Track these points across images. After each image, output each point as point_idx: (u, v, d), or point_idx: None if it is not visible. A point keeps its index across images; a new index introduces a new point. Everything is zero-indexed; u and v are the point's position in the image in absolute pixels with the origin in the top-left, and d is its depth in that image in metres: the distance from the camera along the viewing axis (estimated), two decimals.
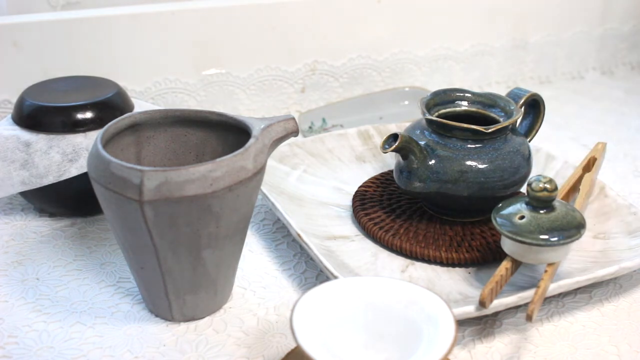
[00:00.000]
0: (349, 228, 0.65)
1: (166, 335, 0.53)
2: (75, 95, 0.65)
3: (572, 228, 0.53)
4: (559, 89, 1.04)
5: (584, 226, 0.54)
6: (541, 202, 0.54)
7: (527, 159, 0.63)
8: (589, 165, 0.68)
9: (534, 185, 0.54)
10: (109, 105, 0.65)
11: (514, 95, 0.66)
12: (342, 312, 0.44)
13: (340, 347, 0.43)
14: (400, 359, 0.43)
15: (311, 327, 0.42)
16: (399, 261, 0.61)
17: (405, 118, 0.86)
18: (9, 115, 0.67)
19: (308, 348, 0.40)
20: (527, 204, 0.54)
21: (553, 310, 0.57)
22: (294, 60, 0.91)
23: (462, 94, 0.67)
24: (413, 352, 0.42)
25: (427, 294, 0.45)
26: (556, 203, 0.55)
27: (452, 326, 0.42)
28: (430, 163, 0.60)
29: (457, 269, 0.60)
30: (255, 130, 0.52)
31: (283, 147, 0.73)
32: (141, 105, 0.70)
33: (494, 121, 0.64)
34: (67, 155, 0.62)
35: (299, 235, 0.59)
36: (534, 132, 0.69)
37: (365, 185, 0.70)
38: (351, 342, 0.44)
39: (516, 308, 0.56)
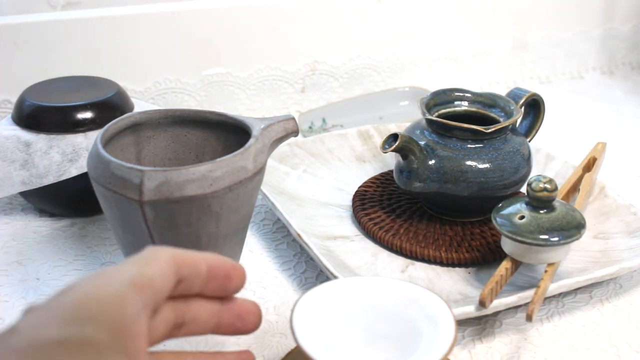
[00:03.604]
0: (349, 228, 0.65)
1: None
2: (75, 95, 0.65)
3: (572, 228, 0.53)
4: (559, 89, 1.04)
5: (584, 226, 0.54)
6: (541, 202, 0.54)
7: (527, 159, 0.63)
8: (589, 165, 0.68)
9: (534, 185, 0.54)
10: (109, 105, 0.65)
11: (514, 95, 0.66)
12: (342, 312, 0.44)
13: (340, 347, 0.43)
14: (400, 358, 0.43)
15: (311, 327, 0.42)
16: (399, 261, 0.61)
17: (405, 118, 0.86)
18: (9, 115, 0.67)
19: (308, 348, 0.40)
20: (527, 204, 0.54)
21: (553, 310, 0.57)
22: (294, 60, 0.91)
23: (462, 94, 0.67)
24: (413, 352, 0.42)
25: (427, 294, 0.45)
26: (556, 203, 0.55)
27: (452, 326, 0.42)
28: (430, 163, 0.60)
29: (457, 269, 0.60)
30: (255, 130, 0.53)
31: (283, 147, 0.73)
32: (141, 105, 0.70)
33: (494, 121, 0.64)
34: (67, 155, 0.62)
35: (299, 235, 0.59)
36: (534, 132, 0.69)
37: (365, 185, 0.70)
38: (351, 342, 0.44)
39: (516, 308, 0.56)
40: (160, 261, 0.36)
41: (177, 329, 0.39)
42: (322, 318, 0.43)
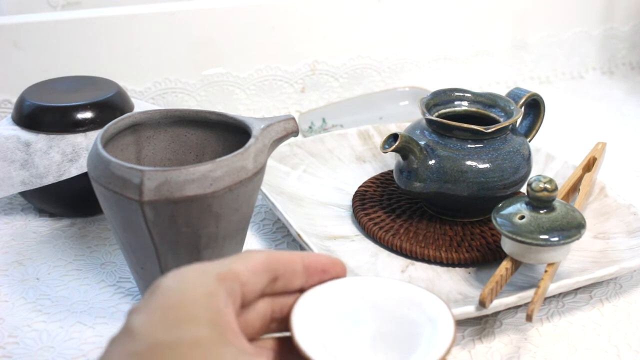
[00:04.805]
0: (349, 228, 0.65)
1: None
2: (75, 95, 0.65)
3: (572, 228, 0.53)
4: (559, 89, 1.04)
5: (584, 226, 0.54)
6: (541, 202, 0.54)
7: (527, 159, 0.63)
8: (589, 165, 0.68)
9: (534, 185, 0.54)
10: (109, 105, 0.65)
11: (514, 95, 0.66)
12: (341, 312, 0.44)
13: (340, 347, 0.43)
14: (399, 359, 0.43)
15: (310, 327, 0.42)
16: (399, 261, 0.61)
17: (405, 118, 0.86)
18: (9, 115, 0.67)
19: (307, 348, 0.40)
20: (527, 204, 0.54)
21: (553, 310, 0.57)
22: (294, 60, 0.91)
23: (462, 94, 0.67)
24: (412, 352, 0.42)
25: (427, 294, 0.45)
26: (556, 203, 0.55)
27: (451, 326, 0.42)
28: (430, 163, 0.60)
29: (457, 269, 0.60)
30: (255, 130, 0.53)
31: (283, 147, 0.73)
32: (141, 105, 0.70)
33: (494, 121, 0.64)
34: (67, 155, 0.62)
35: (299, 235, 0.59)
36: (534, 132, 0.69)
37: (365, 185, 0.70)
38: (350, 342, 0.44)
39: (516, 308, 0.56)
40: (250, 259, 0.39)
41: (279, 324, 0.42)
42: (321, 318, 0.43)
